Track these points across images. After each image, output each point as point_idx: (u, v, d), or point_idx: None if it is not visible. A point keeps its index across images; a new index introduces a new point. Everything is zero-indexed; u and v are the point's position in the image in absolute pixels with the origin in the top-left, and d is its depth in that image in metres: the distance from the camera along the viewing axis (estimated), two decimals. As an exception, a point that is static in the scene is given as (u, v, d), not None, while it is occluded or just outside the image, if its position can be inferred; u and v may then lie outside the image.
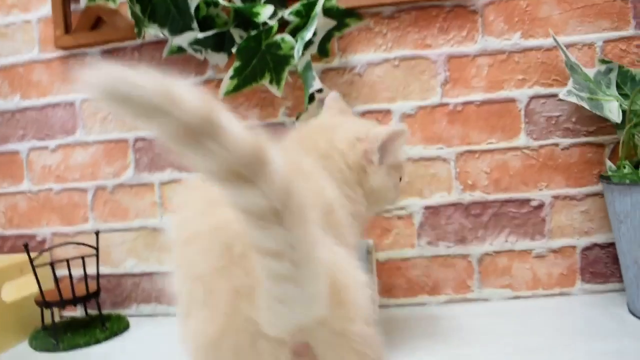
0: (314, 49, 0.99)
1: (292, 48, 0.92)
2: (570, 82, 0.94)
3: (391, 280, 1.06)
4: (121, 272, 1.14)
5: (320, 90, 0.98)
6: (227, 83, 0.95)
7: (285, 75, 0.96)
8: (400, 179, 0.77)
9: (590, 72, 0.97)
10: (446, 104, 1.02)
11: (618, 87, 0.97)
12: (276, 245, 0.40)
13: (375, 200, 0.73)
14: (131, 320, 1.10)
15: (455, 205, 1.03)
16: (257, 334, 0.47)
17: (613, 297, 1.00)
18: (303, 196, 0.41)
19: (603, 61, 0.98)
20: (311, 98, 0.97)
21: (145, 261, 1.13)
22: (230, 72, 0.94)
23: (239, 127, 0.37)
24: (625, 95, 0.96)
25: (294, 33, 0.95)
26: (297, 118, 0.98)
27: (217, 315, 0.48)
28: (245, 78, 0.95)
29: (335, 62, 1.03)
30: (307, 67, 0.95)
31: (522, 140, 1.01)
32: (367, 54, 1.02)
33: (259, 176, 0.37)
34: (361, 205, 0.71)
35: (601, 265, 1.03)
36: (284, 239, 0.40)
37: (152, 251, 1.12)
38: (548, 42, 0.99)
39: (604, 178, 0.92)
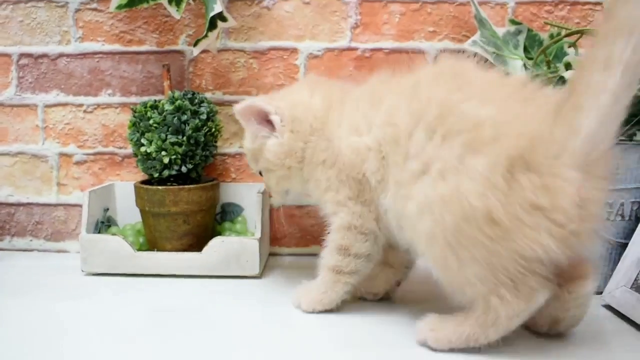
0: (220, -27, 0.93)
1: (193, -36, 0.86)
2: (477, 35, 0.93)
3: (284, 229, 1.02)
4: (-6, 201, 1.04)
5: (224, 19, 0.92)
6: (119, -4, 0.88)
7: (187, -4, 0.89)
8: None
9: (500, 31, 0.96)
10: (355, 49, 0.98)
11: (525, 50, 0.97)
12: None
13: None
14: (2, 254, 1.01)
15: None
16: None
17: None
18: None
19: (513, 22, 0.97)
20: (213, 25, 0.91)
21: (22, 190, 1.04)
22: (124, -17, 0.87)
23: None
24: (531, 59, 0.95)
25: (198, -49, 0.89)
26: (195, 44, 0.91)
27: None
28: (140, -7, 0.88)
29: (244, -8, 0.97)
30: (210, -11, 0.89)
31: (427, 93, 0.99)
32: (278, -13, 0.97)
33: None
34: None
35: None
36: None
37: (30, 179, 1.03)
38: (462, -4, 0.97)
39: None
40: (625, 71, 0.50)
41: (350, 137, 0.69)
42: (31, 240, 1.05)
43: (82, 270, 0.89)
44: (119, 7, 0.88)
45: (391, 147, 0.64)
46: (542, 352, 0.61)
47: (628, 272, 0.73)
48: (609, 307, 0.74)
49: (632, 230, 0.77)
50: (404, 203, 0.61)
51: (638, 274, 0.72)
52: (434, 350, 0.60)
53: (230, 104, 0.99)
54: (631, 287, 0.72)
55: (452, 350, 0.60)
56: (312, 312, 0.72)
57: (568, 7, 0.99)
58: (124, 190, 0.99)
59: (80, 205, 0.95)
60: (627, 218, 0.78)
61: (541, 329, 0.64)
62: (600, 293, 0.76)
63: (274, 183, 0.80)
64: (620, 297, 0.73)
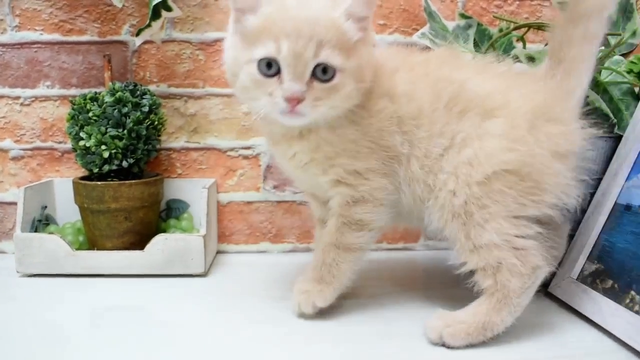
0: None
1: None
2: (426, 27, 0.92)
3: (232, 225, 0.99)
4: None
5: (168, 9, 0.88)
6: (56, -18, 0.83)
7: (128, -16, 0.86)
8: None
9: (450, 25, 0.95)
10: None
11: (475, 44, 0.96)
12: None
13: None
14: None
15: (305, 149, 0.98)
16: None
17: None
18: None
19: (463, 16, 0.96)
20: (156, 14, 0.87)
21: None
22: (61, -31, 0.83)
23: None
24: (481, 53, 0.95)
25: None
26: (138, 34, 0.88)
27: None
28: (79, -20, 0.84)
29: (191, -18, 0.94)
30: (153, -23, 0.86)
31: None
32: (225, -23, 0.94)
33: None
34: None
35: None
36: None
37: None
38: (413, -11, 0.97)
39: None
40: (598, 42, 0.65)
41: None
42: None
43: (17, 272, 0.84)
44: (55, -7, 0.84)
45: (414, 122, 0.64)
46: (489, 344, 0.60)
47: (574, 263, 0.73)
48: (555, 299, 0.74)
49: (579, 223, 0.77)
50: (432, 177, 0.63)
51: (584, 265, 0.72)
52: (451, 348, 0.59)
53: (175, 96, 0.96)
54: (577, 279, 0.72)
55: (469, 345, 0.60)
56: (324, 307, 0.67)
57: (517, 2, 0.99)
58: (63, 187, 0.95)
59: (17, 204, 0.90)
60: (572, 211, 0.78)
61: None
62: (547, 285, 0.76)
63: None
64: (566, 288, 0.73)
